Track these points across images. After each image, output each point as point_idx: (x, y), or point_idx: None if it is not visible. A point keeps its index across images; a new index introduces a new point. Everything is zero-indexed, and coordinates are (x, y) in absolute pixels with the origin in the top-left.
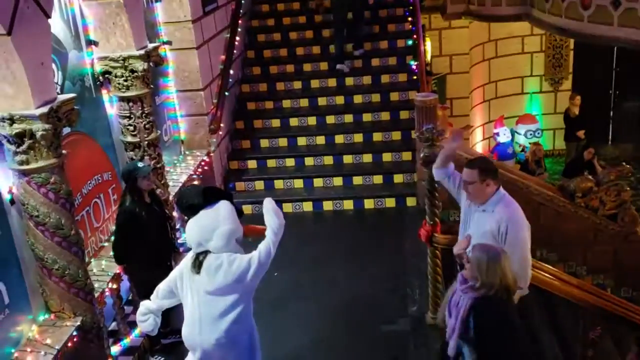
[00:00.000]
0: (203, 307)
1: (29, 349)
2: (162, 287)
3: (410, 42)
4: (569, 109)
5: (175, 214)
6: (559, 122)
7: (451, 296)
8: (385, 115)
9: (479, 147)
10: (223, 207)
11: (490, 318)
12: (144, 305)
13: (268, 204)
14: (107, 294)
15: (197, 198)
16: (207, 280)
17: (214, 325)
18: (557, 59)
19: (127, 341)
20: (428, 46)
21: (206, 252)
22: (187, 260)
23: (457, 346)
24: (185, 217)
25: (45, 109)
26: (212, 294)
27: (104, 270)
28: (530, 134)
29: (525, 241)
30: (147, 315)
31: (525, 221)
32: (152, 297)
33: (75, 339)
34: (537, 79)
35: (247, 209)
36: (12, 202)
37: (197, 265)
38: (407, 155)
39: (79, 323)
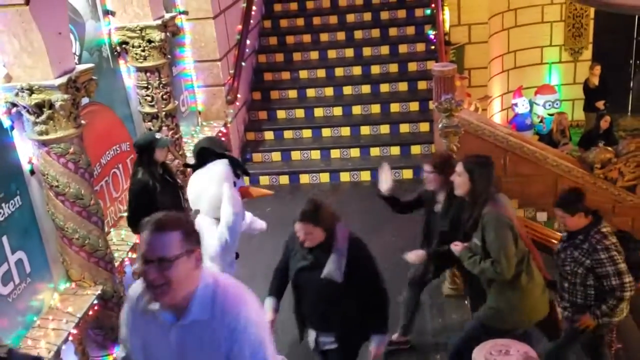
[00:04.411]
0: None
1: (50, 317)
2: None
3: (428, 12)
4: (589, 79)
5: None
6: (578, 92)
7: None
8: (403, 86)
9: (497, 118)
10: (214, 170)
11: None
12: None
13: (225, 190)
14: (126, 263)
15: (194, 158)
16: None
17: None
18: (577, 29)
19: None
20: (446, 15)
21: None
22: None
23: None
24: None
25: (64, 79)
26: None
27: (123, 239)
28: (549, 105)
29: None
30: None
31: None
32: None
33: (96, 308)
34: (557, 48)
35: (264, 179)
36: (32, 172)
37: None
38: (424, 126)
39: (99, 292)
